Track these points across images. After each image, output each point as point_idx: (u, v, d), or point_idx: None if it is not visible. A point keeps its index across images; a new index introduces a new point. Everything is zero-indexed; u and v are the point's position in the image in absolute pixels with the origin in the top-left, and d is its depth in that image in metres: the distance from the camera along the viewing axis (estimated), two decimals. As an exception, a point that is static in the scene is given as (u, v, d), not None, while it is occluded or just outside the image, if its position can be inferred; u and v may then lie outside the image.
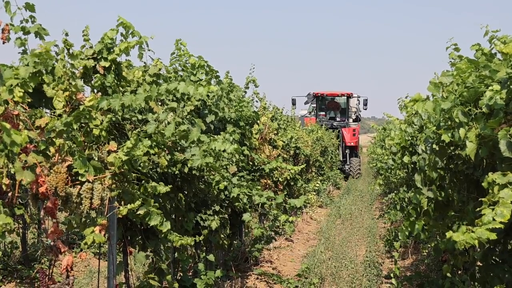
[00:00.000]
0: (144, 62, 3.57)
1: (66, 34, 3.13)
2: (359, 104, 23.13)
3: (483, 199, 2.13)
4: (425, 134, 3.00)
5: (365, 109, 22.22)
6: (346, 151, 21.33)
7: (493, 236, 1.96)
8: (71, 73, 3.03)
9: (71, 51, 3.14)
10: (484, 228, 1.97)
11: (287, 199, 5.16)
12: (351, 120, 22.58)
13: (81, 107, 2.72)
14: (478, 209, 2.17)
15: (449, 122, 2.62)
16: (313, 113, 22.50)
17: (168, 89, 2.78)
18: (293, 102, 21.15)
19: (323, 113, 22.47)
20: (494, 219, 2.00)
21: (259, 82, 6.54)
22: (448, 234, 2.04)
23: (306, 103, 23.41)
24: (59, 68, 2.93)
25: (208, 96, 4.63)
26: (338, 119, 22.40)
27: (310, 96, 22.64)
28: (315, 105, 22.51)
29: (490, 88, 2.28)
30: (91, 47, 3.28)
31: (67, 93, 2.89)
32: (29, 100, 2.72)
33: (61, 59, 3.07)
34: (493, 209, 2.02)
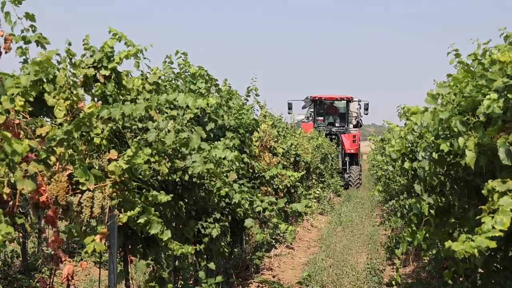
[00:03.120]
0: (141, 71, 3.59)
1: (69, 44, 3.14)
2: (360, 108, 21.66)
3: (482, 207, 2.12)
4: (425, 141, 3.00)
5: (366, 114, 20.70)
6: (346, 159, 20.16)
7: (492, 245, 1.95)
8: (73, 82, 3.04)
9: (73, 60, 3.15)
10: (484, 236, 1.96)
11: (288, 204, 5.16)
12: (351, 125, 21.29)
13: (81, 115, 2.73)
14: (478, 217, 2.17)
15: (448, 132, 2.62)
16: (310, 118, 21.27)
17: (168, 100, 2.79)
18: (289, 107, 19.94)
19: (321, 118, 21.23)
20: (494, 227, 1.99)
21: (259, 83, 6.55)
22: (447, 243, 2.04)
23: (303, 107, 22.08)
24: (60, 77, 2.94)
25: (207, 104, 4.64)
26: (337, 124, 21.17)
27: (308, 100, 21.32)
28: (313, 110, 21.23)
29: (488, 97, 2.29)
30: (91, 56, 3.30)
31: (68, 102, 2.90)
32: (30, 109, 2.73)
33: (63, 68, 3.08)
34: (492, 217, 2.01)
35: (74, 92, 2.93)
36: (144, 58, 3.41)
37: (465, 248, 1.96)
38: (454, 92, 2.61)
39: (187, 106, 4.04)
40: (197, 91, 4.52)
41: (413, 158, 3.91)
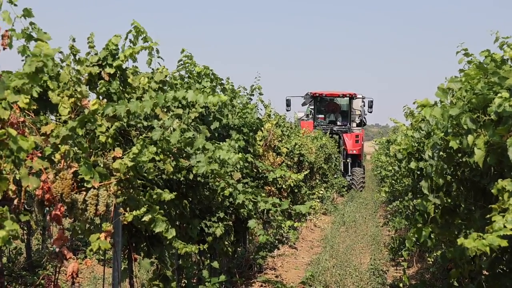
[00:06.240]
0: (152, 69, 3.58)
1: (73, 40, 3.12)
2: (363, 106, 19.92)
3: (492, 206, 2.11)
4: (432, 140, 2.98)
5: (370, 112, 19.07)
6: (348, 160, 18.62)
7: (504, 243, 1.94)
8: (77, 79, 3.02)
9: (77, 57, 3.14)
10: (495, 235, 1.94)
11: (291, 206, 5.16)
12: (354, 124, 19.68)
13: (86, 111, 2.72)
14: (488, 216, 2.16)
15: (457, 129, 2.60)
16: (310, 116, 19.76)
17: (175, 97, 2.75)
18: (288, 103, 18.48)
19: (322, 116, 19.58)
20: (505, 226, 1.98)
21: (263, 81, 6.55)
22: (460, 240, 2.02)
23: (303, 104, 20.61)
24: (64, 74, 2.93)
25: (219, 101, 4.64)
26: (339, 123, 19.51)
27: (308, 96, 19.76)
28: (313, 107, 19.63)
29: (499, 95, 2.27)
30: (96, 54, 3.29)
31: (72, 99, 2.89)
32: (35, 107, 2.72)
33: (67, 65, 3.07)
34: (503, 216, 2.00)
35: (78, 89, 2.91)
36: (158, 57, 3.39)
37: (478, 245, 1.95)
38: (465, 89, 2.58)
39: (193, 105, 4.05)
40: (202, 90, 4.52)
41: (419, 158, 3.89)
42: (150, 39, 3.29)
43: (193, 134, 3.54)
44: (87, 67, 3.23)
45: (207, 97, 2.66)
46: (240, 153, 3.38)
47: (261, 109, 7.24)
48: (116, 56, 3.29)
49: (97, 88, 3.27)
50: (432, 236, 3.36)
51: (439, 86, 2.70)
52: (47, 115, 3.00)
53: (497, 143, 2.33)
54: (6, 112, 2.31)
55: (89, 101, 3.05)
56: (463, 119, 2.44)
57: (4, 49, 2.75)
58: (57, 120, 2.93)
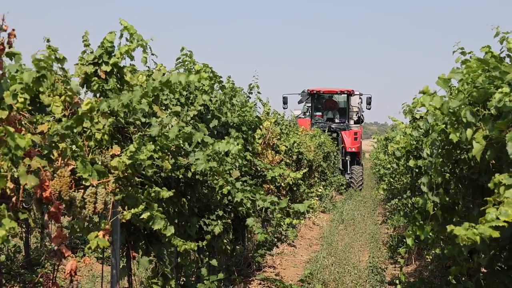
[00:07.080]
0: (148, 67, 3.57)
1: (48, 41, 3.06)
2: (361, 103, 19.64)
3: (488, 198, 2.10)
4: (431, 138, 2.98)
5: (369, 109, 18.79)
6: (347, 158, 18.29)
7: (496, 234, 1.93)
8: (63, 77, 3.00)
9: (57, 55, 3.09)
10: (487, 225, 1.93)
11: (290, 204, 5.16)
12: (352, 121, 19.36)
13: (79, 111, 2.70)
14: (482, 208, 2.15)
15: (456, 125, 2.58)
16: (307, 113, 19.43)
17: (162, 82, 2.77)
18: (284, 101, 18.31)
19: (320, 113, 19.34)
20: (498, 218, 1.96)
21: (261, 79, 6.55)
22: (449, 227, 2.01)
23: (300, 102, 20.30)
24: (49, 75, 2.91)
25: (211, 100, 4.65)
26: (337, 120, 19.28)
27: (305, 93, 19.45)
28: (310, 105, 19.36)
29: (500, 90, 2.26)
30: (91, 52, 3.27)
31: (63, 97, 2.88)
32: (30, 108, 2.72)
33: (49, 68, 3.03)
34: (497, 208, 1.99)
35: (68, 87, 2.90)
36: (152, 54, 3.38)
37: (468, 234, 1.93)
38: (466, 81, 2.56)
39: (191, 103, 4.05)
40: (200, 88, 4.52)
41: (418, 156, 3.89)
42: (139, 36, 3.26)
43: (191, 131, 3.54)
44: (82, 66, 3.22)
45: (188, 76, 2.76)
46: (239, 145, 3.37)
47: (259, 108, 7.25)
48: (112, 54, 3.28)
49: (91, 86, 3.25)
50: (431, 234, 3.36)
51: (440, 76, 2.66)
52: (43, 115, 2.99)
53: (496, 138, 2.32)
54: (4, 112, 2.31)
55: (80, 99, 3.03)
56: (463, 111, 2.42)
57: (10, 47, 2.74)
58: (52, 118, 2.91)
